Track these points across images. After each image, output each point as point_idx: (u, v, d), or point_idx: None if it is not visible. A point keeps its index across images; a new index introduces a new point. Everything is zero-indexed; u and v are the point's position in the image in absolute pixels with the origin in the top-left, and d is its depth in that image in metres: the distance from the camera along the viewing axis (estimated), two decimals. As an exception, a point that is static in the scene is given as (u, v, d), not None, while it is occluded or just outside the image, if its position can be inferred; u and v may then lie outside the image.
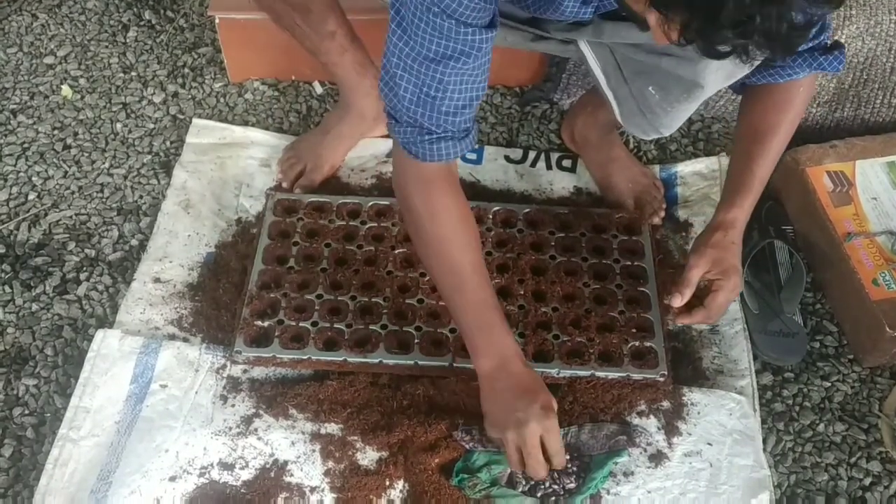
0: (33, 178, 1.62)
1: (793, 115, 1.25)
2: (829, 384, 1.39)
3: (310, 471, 1.23)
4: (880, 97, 1.69)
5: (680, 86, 1.01)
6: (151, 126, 1.72)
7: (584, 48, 1.07)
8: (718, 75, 1.01)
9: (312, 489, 1.21)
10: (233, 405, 1.29)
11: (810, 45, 1.19)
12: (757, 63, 1.05)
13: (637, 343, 1.35)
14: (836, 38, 1.61)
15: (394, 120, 1.13)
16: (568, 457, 1.22)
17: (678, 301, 1.22)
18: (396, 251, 1.46)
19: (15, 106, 1.75)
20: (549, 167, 1.67)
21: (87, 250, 1.51)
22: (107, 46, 1.87)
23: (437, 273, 1.23)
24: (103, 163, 1.65)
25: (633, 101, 1.06)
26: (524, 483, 1.22)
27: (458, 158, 1.16)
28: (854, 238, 1.45)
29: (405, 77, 1.06)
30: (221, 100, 1.78)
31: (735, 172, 1.26)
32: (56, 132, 1.71)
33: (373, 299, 1.39)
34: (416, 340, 1.34)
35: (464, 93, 1.07)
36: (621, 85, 1.06)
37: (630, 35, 0.99)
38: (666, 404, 1.31)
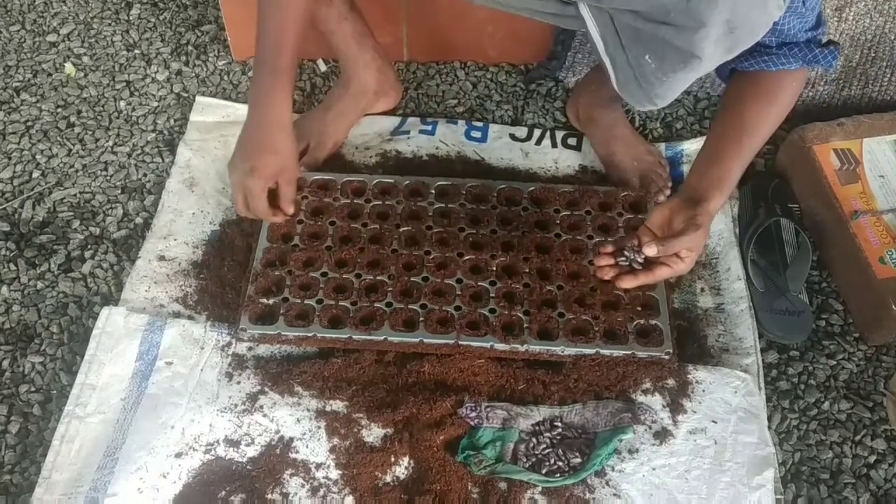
0: (37, 157, 1.62)
1: (781, 107, 1.24)
2: (834, 362, 1.39)
3: (315, 447, 1.23)
4: (888, 75, 1.68)
5: (676, 56, 1.00)
6: (155, 104, 1.72)
7: (584, 12, 1.06)
8: (717, 48, 1.00)
9: (318, 466, 1.21)
10: (238, 382, 1.30)
11: (806, 37, 1.18)
12: (756, 39, 1.04)
13: (642, 321, 1.35)
14: (843, 15, 1.61)
15: None
16: (572, 435, 1.23)
17: (653, 250, 1.20)
18: (401, 229, 1.45)
19: (18, 84, 1.75)
20: (554, 145, 1.67)
21: (91, 228, 1.51)
22: (110, 24, 1.87)
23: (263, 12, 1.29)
24: (107, 141, 1.65)
25: (629, 69, 1.05)
26: (528, 459, 1.22)
27: None
28: (861, 216, 1.45)
29: None
30: (225, 77, 1.77)
31: (717, 158, 1.24)
32: (60, 110, 1.70)
33: (378, 277, 1.39)
34: (421, 318, 1.34)
35: None
36: (619, 52, 1.05)
37: (629, 0, 0.99)
38: (671, 382, 1.31)
